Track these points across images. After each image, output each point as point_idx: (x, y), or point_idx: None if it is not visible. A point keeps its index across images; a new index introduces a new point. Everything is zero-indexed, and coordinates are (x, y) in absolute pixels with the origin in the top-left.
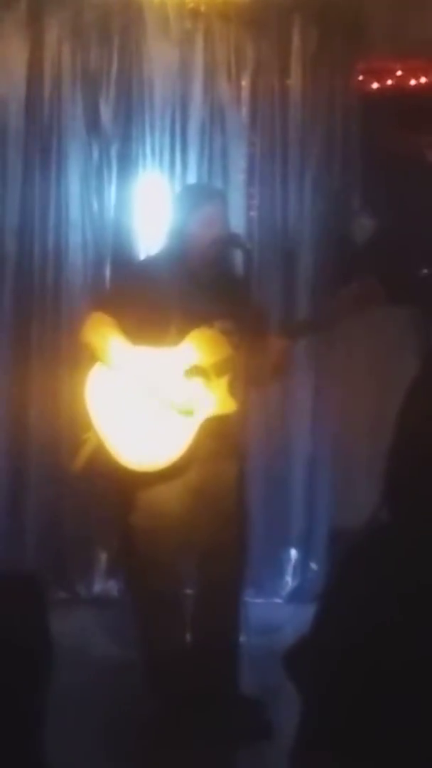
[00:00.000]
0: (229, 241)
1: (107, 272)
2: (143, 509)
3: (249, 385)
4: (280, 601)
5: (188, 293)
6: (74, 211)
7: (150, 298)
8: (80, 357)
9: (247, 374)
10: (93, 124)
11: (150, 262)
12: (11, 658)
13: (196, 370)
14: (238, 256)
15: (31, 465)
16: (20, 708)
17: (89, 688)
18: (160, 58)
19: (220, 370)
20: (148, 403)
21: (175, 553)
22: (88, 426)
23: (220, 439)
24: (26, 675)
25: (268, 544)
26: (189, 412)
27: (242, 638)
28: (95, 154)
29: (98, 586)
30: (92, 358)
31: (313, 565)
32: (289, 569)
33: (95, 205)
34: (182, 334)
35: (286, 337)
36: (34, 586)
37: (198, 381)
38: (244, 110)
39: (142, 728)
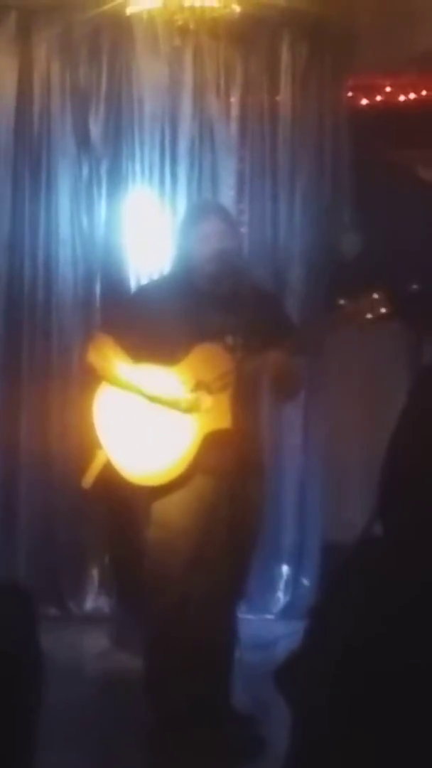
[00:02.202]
0: (223, 259)
1: (97, 289)
2: (156, 523)
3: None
4: (271, 617)
5: (196, 310)
6: (64, 228)
7: (157, 319)
8: (71, 373)
9: (253, 387)
10: (82, 141)
11: (157, 283)
12: (1, 674)
13: (198, 385)
14: (237, 273)
15: (23, 481)
16: (10, 725)
17: (81, 704)
18: (149, 75)
19: (222, 384)
20: (152, 417)
21: (184, 568)
22: (94, 444)
23: (223, 452)
24: (16, 691)
25: (259, 561)
26: (193, 408)
27: (234, 654)
28: (85, 170)
29: (90, 603)
30: (97, 378)
31: (305, 581)
32: (281, 585)
33: (85, 222)
34: (188, 351)
35: (288, 351)
36: (25, 601)
37: (200, 396)
38: (234, 127)
39: (135, 745)
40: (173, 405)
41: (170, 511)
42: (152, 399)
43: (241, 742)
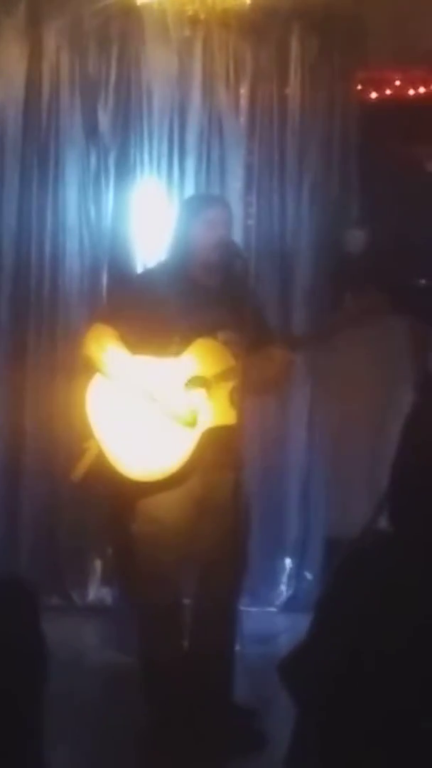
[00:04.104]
0: (227, 248)
1: (104, 279)
2: (145, 518)
3: (249, 394)
4: (274, 611)
5: (191, 303)
6: (72, 218)
7: (152, 309)
8: (76, 365)
9: (247, 383)
10: (91, 131)
11: (152, 272)
12: (5, 664)
13: (197, 381)
14: (236, 265)
15: (27, 473)
16: (15, 716)
17: (83, 695)
18: (158, 65)
19: (221, 380)
20: (149, 413)
21: (175, 563)
22: (88, 435)
23: (221, 449)
24: (20, 682)
25: (262, 553)
26: (191, 423)
27: (236, 647)
28: (93, 161)
29: (93, 594)
30: (92, 369)
31: (308, 575)
32: (284, 578)
33: (93, 212)
34: (185, 344)
35: (287, 348)
36: (27, 592)
37: (199, 392)
38: (243, 118)
39: (136, 737)
40: (174, 416)
41: (160, 505)
42: (153, 400)
43: (243, 737)
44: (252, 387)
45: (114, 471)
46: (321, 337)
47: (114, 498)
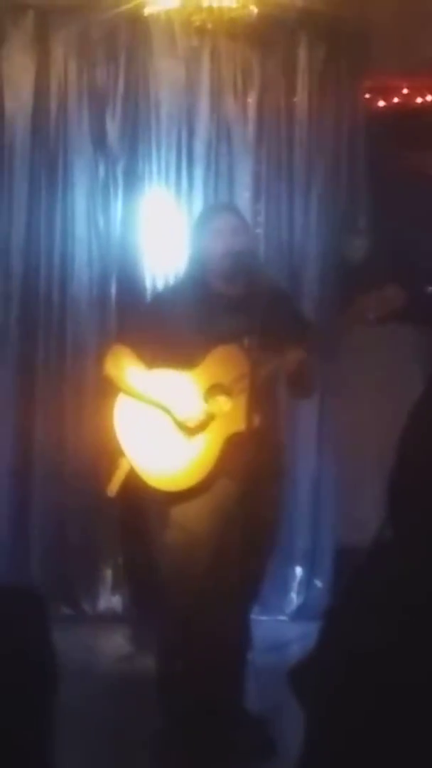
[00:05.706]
0: (236, 256)
1: (113, 289)
2: (176, 526)
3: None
4: (284, 619)
5: (212, 313)
6: (80, 228)
7: (173, 326)
8: (85, 375)
9: (270, 386)
10: (99, 141)
11: (171, 288)
12: (15, 674)
13: (217, 389)
14: (254, 271)
15: (36, 482)
16: (26, 726)
17: (93, 704)
18: (166, 75)
19: (242, 386)
20: (169, 425)
21: (202, 571)
22: (118, 452)
23: (246, 454)
24: (31, 692)
25: (273, 562)
26: (195, 430)
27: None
28: (101, 170)
29: (103, 603)
30: (115, 389)
31: (318, 583)
32: (294, 586)
33: (101, 222)
34: (205, 354)
35: (306, 349)
36: (37, 601)
37: (219, 399)
38: (251, 128)
39: (147, 745)
40: (180, 426)
41: (190, 514)
42: (166, 413)
43: (253, 745)
44: (275, 389)
45: (134, 482)
46: (337, 333)
47: (132, 509)
